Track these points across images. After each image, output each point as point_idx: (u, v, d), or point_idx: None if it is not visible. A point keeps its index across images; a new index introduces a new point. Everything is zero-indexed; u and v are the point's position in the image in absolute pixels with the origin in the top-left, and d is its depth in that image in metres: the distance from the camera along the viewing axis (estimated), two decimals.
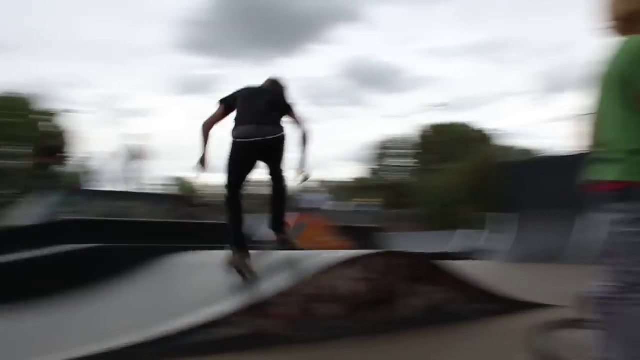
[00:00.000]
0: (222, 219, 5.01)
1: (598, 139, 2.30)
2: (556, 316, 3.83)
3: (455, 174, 53.85)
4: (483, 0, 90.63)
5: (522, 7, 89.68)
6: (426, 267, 4.90)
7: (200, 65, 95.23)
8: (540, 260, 16.42)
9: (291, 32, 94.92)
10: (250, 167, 4.75)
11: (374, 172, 65.32)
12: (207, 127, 4.95)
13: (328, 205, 26.10)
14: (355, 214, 25.76)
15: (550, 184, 18.53)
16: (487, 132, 61.38)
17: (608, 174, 2.16)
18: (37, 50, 74.20)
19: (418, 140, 59.06)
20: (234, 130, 4.70)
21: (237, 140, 4.64)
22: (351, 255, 4.61)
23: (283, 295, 4.11)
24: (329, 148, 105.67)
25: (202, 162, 4.96)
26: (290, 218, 18.66)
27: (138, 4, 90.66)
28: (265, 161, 4.75)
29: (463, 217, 41.94)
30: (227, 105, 4.93)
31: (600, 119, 2.29)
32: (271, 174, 4.83)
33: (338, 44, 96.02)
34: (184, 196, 18.35)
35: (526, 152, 25.23)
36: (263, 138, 4.56)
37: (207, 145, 4.97)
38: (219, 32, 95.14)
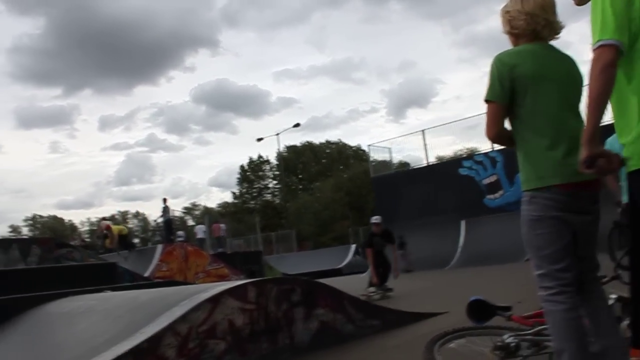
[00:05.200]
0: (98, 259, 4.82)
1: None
2: (446, 325, 3.89)
3: (329, 191, 55.05)
4: (323, 25, 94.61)
5: (362, 30, 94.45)
6: (308, 290, 4.99)
7: (45, 97, 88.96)
8: (421, 268, 17.13)
9: (149, 59, 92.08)
10: None
11: (241, 195, 64.95)
12: None
13: (202, 233, 25.46)
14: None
15: (420, 194, 19.62)
16: (357, 148, 63.62)
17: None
18: None
19: (284, 161, 59.38)
20: None
21: None
22: (234, 286, 4.58)
23: (170, 336, 4.01)
24: (195, 174, 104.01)
25: None
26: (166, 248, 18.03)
27: None
28: None
29: (342, 232, 42.92)
30: None
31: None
32: None
33: (198, 70, 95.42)
34: (49, 238, 17.06)
35: (402, 164, 26.41)
36: None
37: None
38: (60, 61, 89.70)
